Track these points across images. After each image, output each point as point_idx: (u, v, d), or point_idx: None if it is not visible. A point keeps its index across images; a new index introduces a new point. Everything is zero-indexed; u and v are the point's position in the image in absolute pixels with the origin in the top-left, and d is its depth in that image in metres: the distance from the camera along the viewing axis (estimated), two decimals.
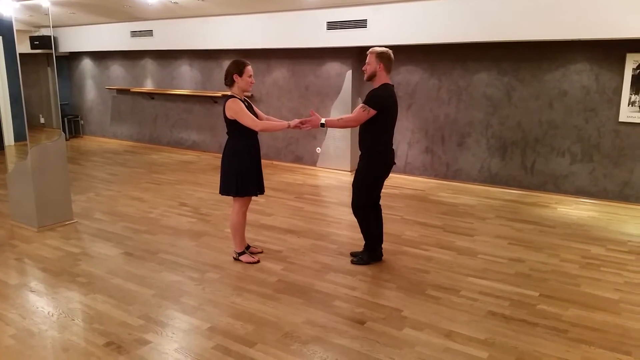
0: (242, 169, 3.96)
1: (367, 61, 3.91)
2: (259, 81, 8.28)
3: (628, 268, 4.15)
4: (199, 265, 4.18)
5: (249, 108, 3.97)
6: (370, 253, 4.21)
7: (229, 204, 5.83)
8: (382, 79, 3.89)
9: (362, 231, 4.18)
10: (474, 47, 6.55)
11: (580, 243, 4.74)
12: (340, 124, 4.14)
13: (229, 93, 3.97)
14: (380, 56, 3.85)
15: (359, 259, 4.22)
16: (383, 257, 4.27)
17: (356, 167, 4.14)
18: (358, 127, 4.02)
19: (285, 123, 3.96)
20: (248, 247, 4.36)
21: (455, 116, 6.97)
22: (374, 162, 3.97)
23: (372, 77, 3.91)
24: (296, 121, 3.96)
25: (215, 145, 9.27)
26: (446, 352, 2.91)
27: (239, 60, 3.94)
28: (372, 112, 3.78)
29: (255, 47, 7.82)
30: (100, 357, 2.84)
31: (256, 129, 3.88)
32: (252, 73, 3.94)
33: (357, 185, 4.05)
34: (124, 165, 8.32)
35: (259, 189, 4.12)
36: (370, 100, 3.81)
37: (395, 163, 4.09)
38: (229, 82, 3.93)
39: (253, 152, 4.02)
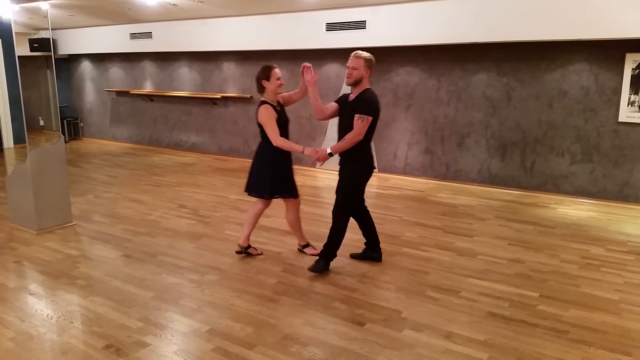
0: (273, 171, 4.05)
1: (352, 65, 3.75)
2: None
3: (628, 268, 4.15)
4: (198, 267, 4.17)
5: (281, 113, 4.04)
6: (327, 262, 4.04)
7: (229, 205, 5.84)
8: (366, 83, 3.82)
9: (330, 235, 3.98)
10: (473, 47, 6.55)
11: (579, 243, 4.74)
12: (348, 144, 3.81)
13: (262, 98, 4.04)
14: (369, 62, 3.78)
15: (314, 265, 4.00)
16: (382, 259, 4.26)
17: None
18: (337, 134, 3.95)
19: (300, 148, 3.92)
20: (249, 246, 4.37)
21: (455, 117, 6.97)
22: (358, 168, 3.91)
23: (357, 82, 3.79)
24: (310, 150, 3.89)
25: (214, 146, 9.28)
26: (446, 354, 2.90)
27: (265, 66, 4.02)
28: (370, 118, 3.73)
29: (254, 49, 7.83)
30: None
31: (274, 143, 3.94)
32: (280, 75, 4.00)
33: (340, 190, 3.98)
34: (123, 168, 8.31)
35: (292, 192, 4.19)
36: (365, 108, 3.73)
37: (375, 167, 4.06)
38: (260, 88, 4.02)
39: (282, 156, 4.06)
